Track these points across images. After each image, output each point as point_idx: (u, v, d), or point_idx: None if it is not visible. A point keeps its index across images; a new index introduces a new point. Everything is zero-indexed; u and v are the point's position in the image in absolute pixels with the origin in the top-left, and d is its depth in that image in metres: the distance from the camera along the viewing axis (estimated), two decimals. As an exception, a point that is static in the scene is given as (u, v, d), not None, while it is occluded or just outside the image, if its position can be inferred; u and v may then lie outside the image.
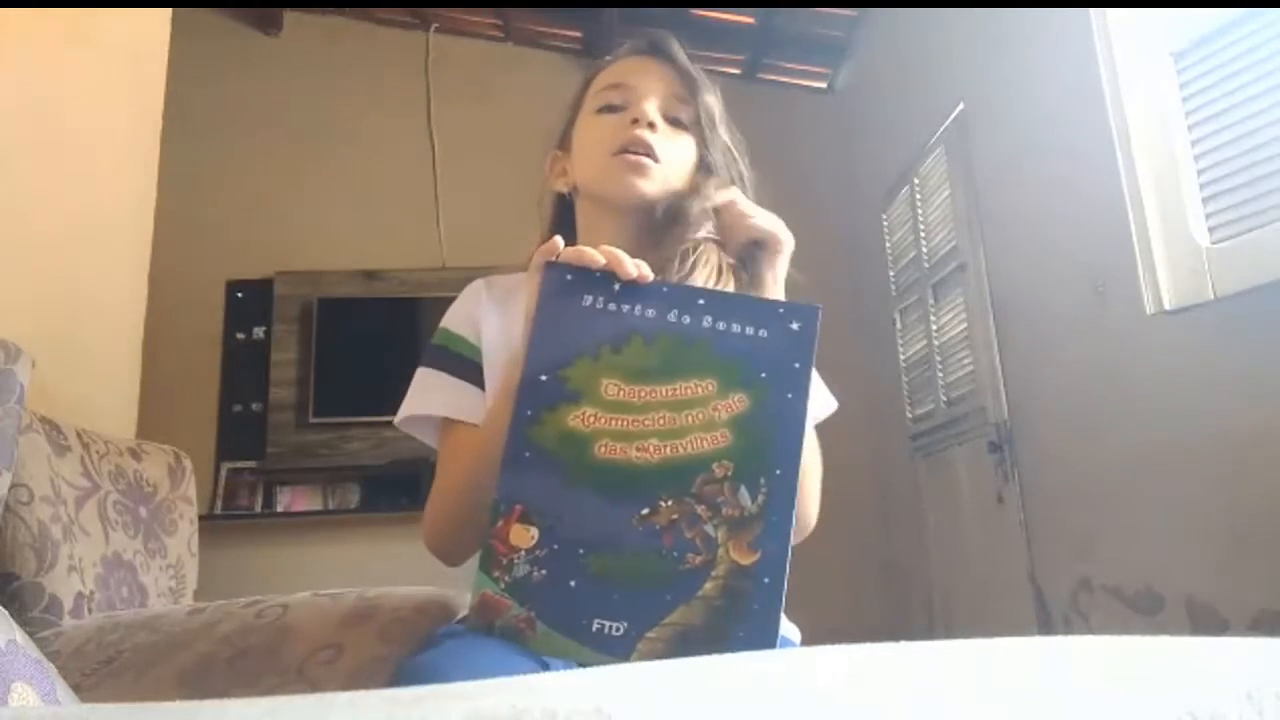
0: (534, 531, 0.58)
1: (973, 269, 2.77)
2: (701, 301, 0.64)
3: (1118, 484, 2.10)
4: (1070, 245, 2.25)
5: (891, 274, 3.42)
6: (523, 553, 0.58)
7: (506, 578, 0.58)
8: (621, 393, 0.61)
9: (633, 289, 0.64)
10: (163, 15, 2.11)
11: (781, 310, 0.64)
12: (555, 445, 0.60)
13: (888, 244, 3.45)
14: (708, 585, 0.57)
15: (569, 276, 0.64)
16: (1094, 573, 2.20)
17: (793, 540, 0.84)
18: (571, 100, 0.99)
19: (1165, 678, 0.33)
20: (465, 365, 0.90)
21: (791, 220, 0.88)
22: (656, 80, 0.93)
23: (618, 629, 0.56)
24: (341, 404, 3.48)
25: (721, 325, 0.63)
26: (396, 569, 1.76)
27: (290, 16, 4.00)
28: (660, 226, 0.86)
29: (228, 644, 1.04)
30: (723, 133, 0.94)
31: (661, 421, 0.60)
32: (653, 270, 0.69)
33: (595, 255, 0.65)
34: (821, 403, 0.91)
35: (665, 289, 0.65)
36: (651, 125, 0.89)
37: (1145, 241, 1.94)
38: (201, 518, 1.71)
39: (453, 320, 0.94)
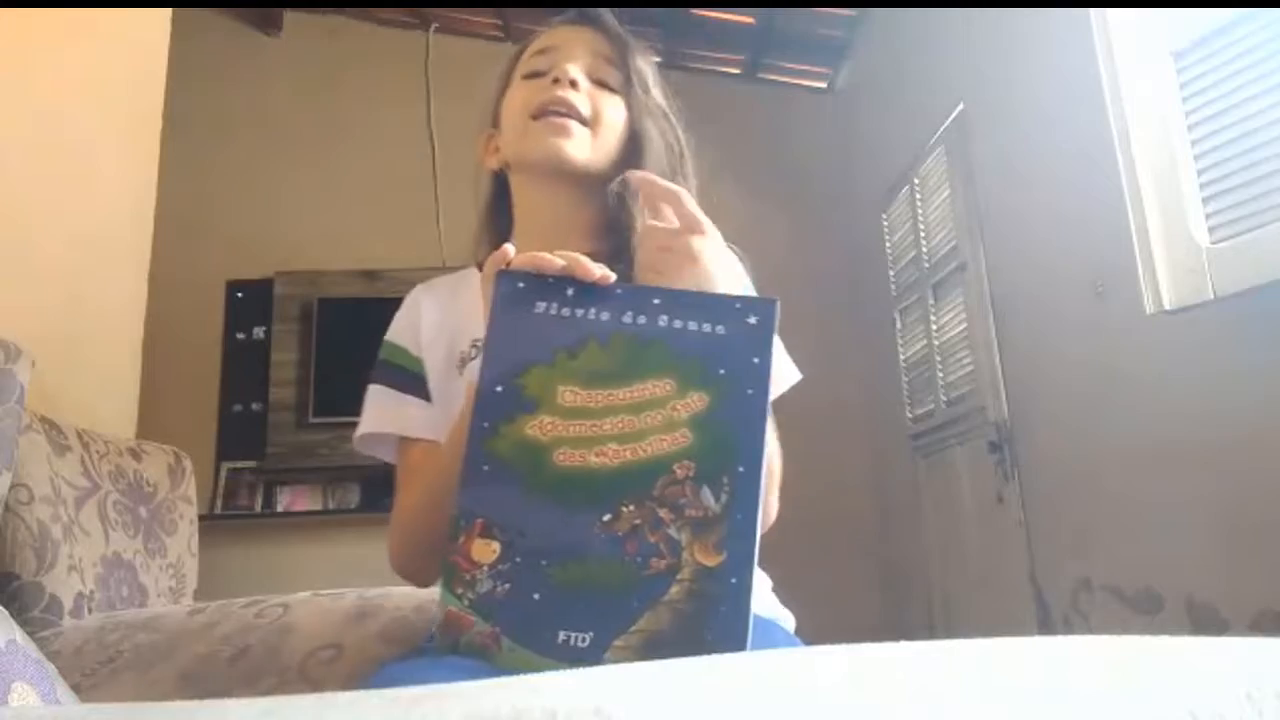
0: (496, 545, 0.57)
1: (973, 269, 2.77)
2: (657, 301, 0.63)
3: (1118, 484, 2.10)
4: (1070, 245, 2.25)
5: (891, 274, 3.42)
6: (485, 568, 0.57)
7: (470, 594, 0.57)
8: (579, 398, 0.60)
9: (587, 292, 0.63)
10: (163, 15, 2.11)
11: (738, 305, 0.63)
12: (514, 456, 0.59)
13: (888, 244, 3.45)
14: (673, 589, 0.56)
15: (521, 284, 0.63)
16: (1094, 573, 2.20)
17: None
18: (501, 74, 0.95)
19: (1165, 678, 0.33)
20: (409, 378, 0.89)
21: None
22: (583, 43, 0.89)
23: (584, 639, 0.55)
24: (341, 404, 3.47)
25: (678, 323, 0.62)
26: (396, 569, 1.76)
27: (290, 16, 4.01)
28: (611, 208, 0.83)
29: (228, 644, 1.04)
30: (657, 96, 0.89)
31: (620, 425, 0.59)
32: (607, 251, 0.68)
33: (553, 259, 0.63)
34: (784, 375, 0.86)
35: (620, 290, 0.64)
36: (574, 84, 0.85)
37: (1145, 241, 1.94)
38: (201, 518, 1.71)
39: (394, 332, 0.93)
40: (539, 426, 0.59)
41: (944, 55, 2.96)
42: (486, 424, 0.60)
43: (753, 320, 0.62)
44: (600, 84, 0.87)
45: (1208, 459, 1.79)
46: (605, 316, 0.62)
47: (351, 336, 3.57)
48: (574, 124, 0.84)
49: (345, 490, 3.54)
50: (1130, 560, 2.05)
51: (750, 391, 0.60)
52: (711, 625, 0.55)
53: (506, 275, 0.64)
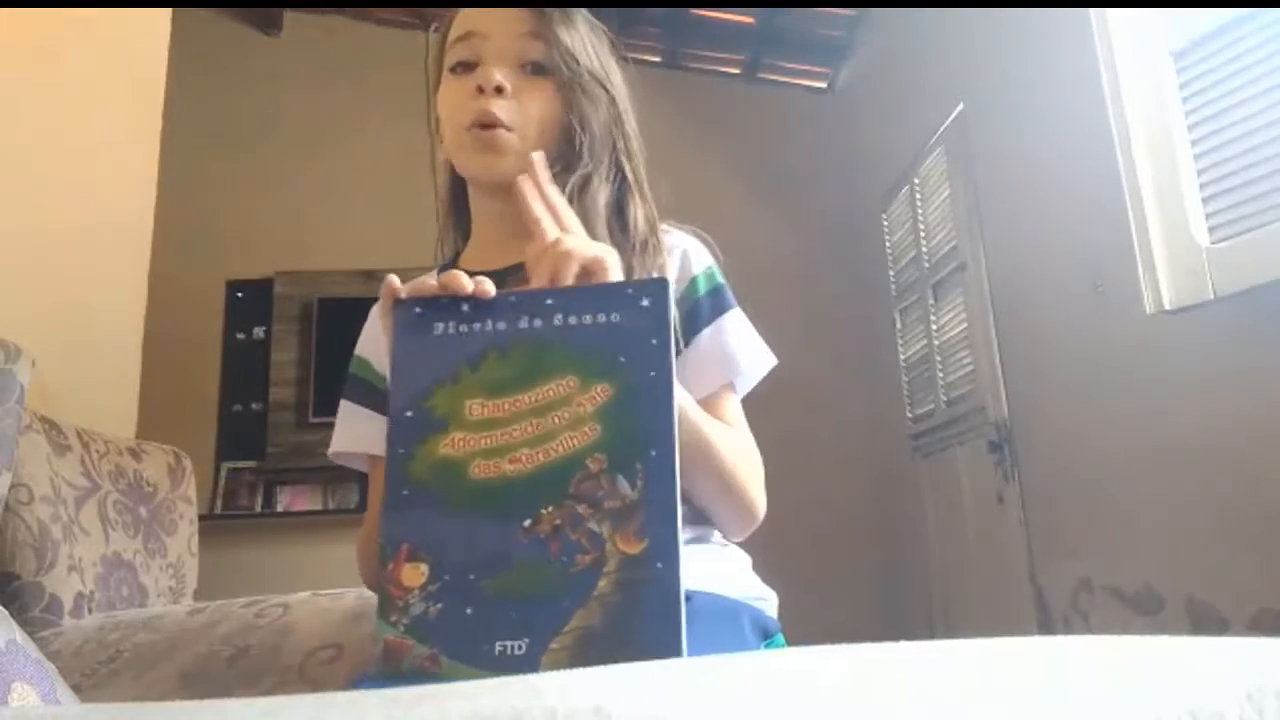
0: (423, 567, 0.58)
1: (973, 269, 2.77)
2: (550, 301, 0.63)
3: (1118, 484, 2.10)
4: (1070, 245, 2.25)
5: (891, 274, 3.42)
6: (416, 591, 0.57)
7: (404, 619, 0.57)
8: (486, 410, 0.61)
9: (482, 306, 0.64)
10: (163, 15, 2.11)
11: (630, 290, 0.63)
12: (431, 477, 0.60)
13: (888, 244, 3.45)
14: (601, 583, 0.56)
15: (418, 310, 0.64)
16: (1094, 573, 2.20)
17: (749, 528, 0.83)
18: (434, 54, 0.90)
19: (1165, 678, 0.33)
20: (374, 394, 0.90)
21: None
22: (505, 25, 0.84)
23: (519, 647, 0.55)
24: (341, 404, 3.47)
25: (573, 320, 0.62)
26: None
27: (290, 16, 4.01)
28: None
29: (228, 644, 1.04)
30: (589, 60, 0.85)
31: (530, 429, 0.60)
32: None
33: (430, 283, 0.64)
34: (748, 360, 0.85)
35: (513, 298, 0.64)
36: (499, 89, 0.81)
37: (1145, 241, 1.94)
38: (201, 518, 1.71)
39: (361, 345, 0.94)
40: (451, 444, 0.60)
41: (944, 55, 2.96)
42: (402, 450, 0.60)
43: (646, 303, 0.62)
44: (531, 67, 0.84)
45: (1208, 459, 1.79)
46: (502, 325, 0.63)
47: (351, 336, 3.54)
48: (501, 134, 0.82)
49: (345, 490, 3.53)
50: (1130, 560, 2.05)
51: (653, 374, 0.60)
52: (643, 612, 0.55)
53: (403, 304, 0.65)
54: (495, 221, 0.88)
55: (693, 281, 0.86)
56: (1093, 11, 2.10)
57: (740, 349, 0.84)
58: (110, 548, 1.33)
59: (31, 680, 0.64)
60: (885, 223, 3.47)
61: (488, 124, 0.82)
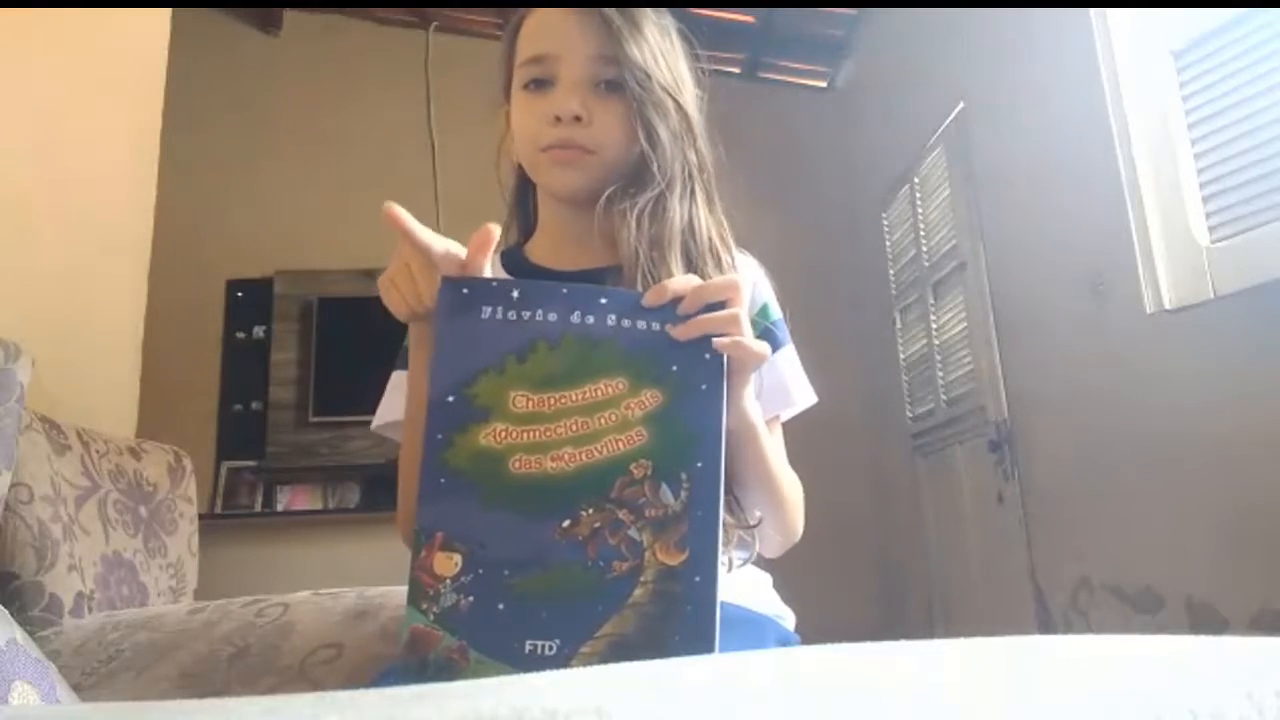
0: (457, 558, 0.57)
1: (973, 269, 2.77)
2: (604, 300, 0.62)
3: (1118, 484, 2.09)
4: (1070, 244, 2.25)
5: (891, 274, 3.42)
6: (448, 581, 0.57)
7: (435, 609, 0.56)
8: (530, 403, 0.59)
9: (533, 293, 0.62)
10: (163, 15, 2.10)
11: None
12: (469, 467, 0.58)
13: (888, 244, 3.45)
14: (637, 592, 0.55)
15: (465, 290, 0.62)
16: (1094, 573, 2.20)
17: (786, 547, 0.84)
18: (503, 52, 0.90)
19: (1165, 678, 0.33)
20: None
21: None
22: (578, 46, 0.83)
23: (551, 648, 0.55)
24: (341, 404, 3.47)
25: (626, 322, 0.61)
26: (396, 569, 1.75)
27: (290, 16, 4.00)
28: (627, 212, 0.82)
29: (228, 643, 1.04)
30: (660, 75, 0.84)
31: (575, 427, 0.58)
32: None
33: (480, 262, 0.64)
34: (799, 395, 0.88)
35: (565, 290, 0.63)
36: (577, 118, 0.82)
37: (1145, 241, 1.94)
38: (201, 517, 1.71)
39: None
40: (492, 435, 0.59)
41: (944, 55, 2.96)
42: (440, 436, 0.59)
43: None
44: (607, 85, 0.84)
45: (1208, 458, 1.79)
46: (553, 317, 0.61)
47: (351, 336, 3.56)
48: (580, 155, 0.83)
49: (345, 490, 3.53)
50: (1130, 560, 2.05)
51: (704, 387, 0.59)
52: (678, 626, 0.54)
53: (449, 283, 0.63)
54: (565, 224, 0.90)
55: (764, 308, 0.89)
56: (1093, 11, 2.10)
57: (793, 382, 0.88)
58: (110, 547, 1.33)
59: (31, 679, 0.64)
60: (885, 222, 3.46)
61: (565, 147, 0.83)
